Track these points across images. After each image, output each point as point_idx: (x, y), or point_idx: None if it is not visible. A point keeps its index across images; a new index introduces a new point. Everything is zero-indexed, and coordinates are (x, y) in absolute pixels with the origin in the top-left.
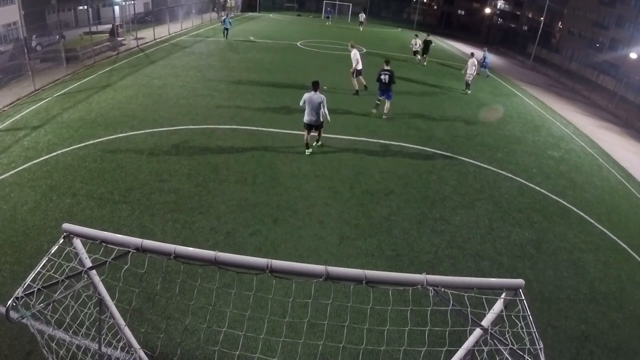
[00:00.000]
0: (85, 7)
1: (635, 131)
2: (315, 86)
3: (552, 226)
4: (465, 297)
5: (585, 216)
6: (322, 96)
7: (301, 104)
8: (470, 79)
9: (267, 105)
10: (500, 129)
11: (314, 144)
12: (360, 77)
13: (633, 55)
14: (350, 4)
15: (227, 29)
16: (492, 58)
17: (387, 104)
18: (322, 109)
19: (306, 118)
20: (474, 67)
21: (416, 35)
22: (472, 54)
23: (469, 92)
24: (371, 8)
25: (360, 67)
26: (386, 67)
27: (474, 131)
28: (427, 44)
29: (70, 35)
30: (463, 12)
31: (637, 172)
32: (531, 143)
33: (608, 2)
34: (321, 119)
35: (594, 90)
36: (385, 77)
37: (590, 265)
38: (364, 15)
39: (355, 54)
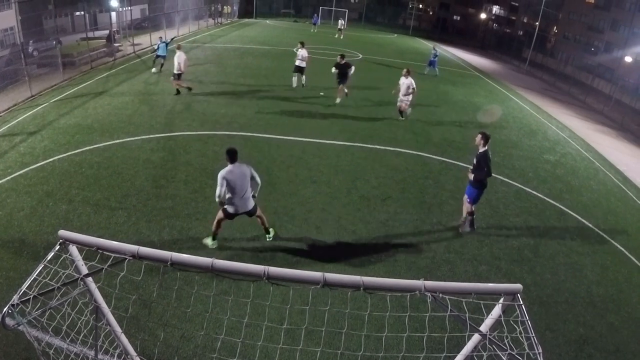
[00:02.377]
0: (82, 12)
1: (631, 134)
2: (233, 155)
3: (549, 230)
4: (464, 303)
5: (582, 219)
6: (249, 167)
7: (219, 190)
8: (405, 105)
9: (264, 111)
10: (496, 134)
11: (267, 237)
12: (180, 81)
13: (628, 59)
14: (347, 10)
15: (160, 57)
16: (484, 62)
17: (466, 207)
18: (253, 186)
19: (230, 208)
20: (410, 89)
21: (301, 44)
22: (408, 72)
23: (403, 118)
24: (367, 14)
25: (177, 70)
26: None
27: (470, 136)
28: (342, 69)
29: (67, 41)
30: (459, 18)
31: (633, 175)
32: (527, 147)
33: (603, 6)
34: (253, 202)
35: (590, 94)
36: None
37: (588, 268)
38: (342, 22)
39: (179, 56)
